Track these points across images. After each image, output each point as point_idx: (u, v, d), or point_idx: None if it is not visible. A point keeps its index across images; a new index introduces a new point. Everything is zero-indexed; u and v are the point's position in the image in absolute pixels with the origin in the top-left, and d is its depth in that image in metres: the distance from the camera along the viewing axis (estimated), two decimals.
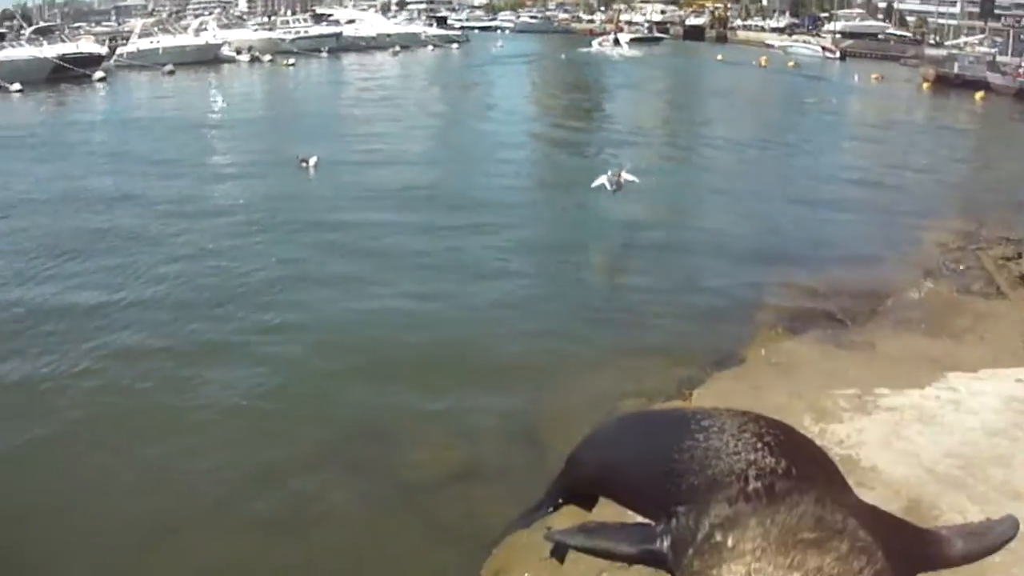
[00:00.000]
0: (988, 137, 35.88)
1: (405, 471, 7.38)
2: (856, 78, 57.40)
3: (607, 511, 5.77)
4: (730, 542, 4.34)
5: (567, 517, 5.80)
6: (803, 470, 5.13)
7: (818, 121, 34.99)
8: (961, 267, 14.07)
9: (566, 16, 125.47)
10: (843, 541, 4.24)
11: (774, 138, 28.79)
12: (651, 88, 45.23)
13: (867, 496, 5.49)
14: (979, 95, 53.05)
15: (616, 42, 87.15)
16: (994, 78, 58.77)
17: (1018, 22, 75.18)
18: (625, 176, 17.36)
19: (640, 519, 5.44)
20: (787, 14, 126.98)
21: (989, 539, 5.31)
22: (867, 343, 10.36)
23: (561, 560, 5.23)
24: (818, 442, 6.12)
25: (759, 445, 5.28)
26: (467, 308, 10.72)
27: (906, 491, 6.01)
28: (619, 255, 13.74)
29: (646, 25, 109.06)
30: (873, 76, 59.83)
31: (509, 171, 19.81)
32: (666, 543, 4.93)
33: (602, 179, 17.23)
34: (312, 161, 18.89)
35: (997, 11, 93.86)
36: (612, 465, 5.96)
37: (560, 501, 6.00)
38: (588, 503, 5.88)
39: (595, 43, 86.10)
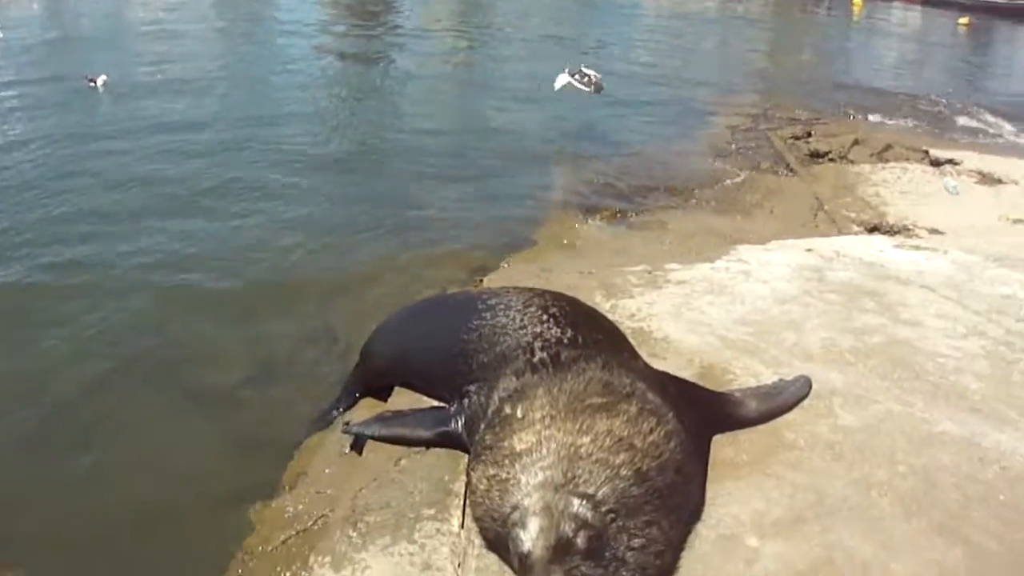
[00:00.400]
0: (779, 27, 36.97)
1: (197, 385, 7.09)
2: None
3: (403, 399, 5.72)
4: (519, 413, 4.36)
5: (365, 410, 5.74)
6: (589, 338, 5.17)
7: (612, 15, 35.08)
8: (752, 147, 14.47)
9: None
10: (631, 404, 4.29)
11: (567, 35, 28.73)
12: None
13: (660, 365, 5.62)
14: None
15: None
16: None
17: None
18: (586, 71, 15.63)
19: (435, 403, 5.43)
20: None
21: (783, 398, 5.54)
22: (658, 222, 10.52)
23: (360, 452, 5.17)
24: (610, 316, 6.22)
25: (544, 317, 5.31)
26: (255, 231, 10.23)
27: (699, 358, 6.11)
28: (405, 161, 13.42)
29: None
30: None
31: (297, 84, 18.97)
32: (460, 423, 4.94)
33: (564, 79, 15.26)
34: (100, 81, 17.47)
35: None
36: (403, 353, 5.92)
37: (357, 395, 5.95)
38: (384, 394, 5.83)
39: None
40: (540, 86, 17.44)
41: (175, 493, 5.77)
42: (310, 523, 4.64)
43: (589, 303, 6.23)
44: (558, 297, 5.67)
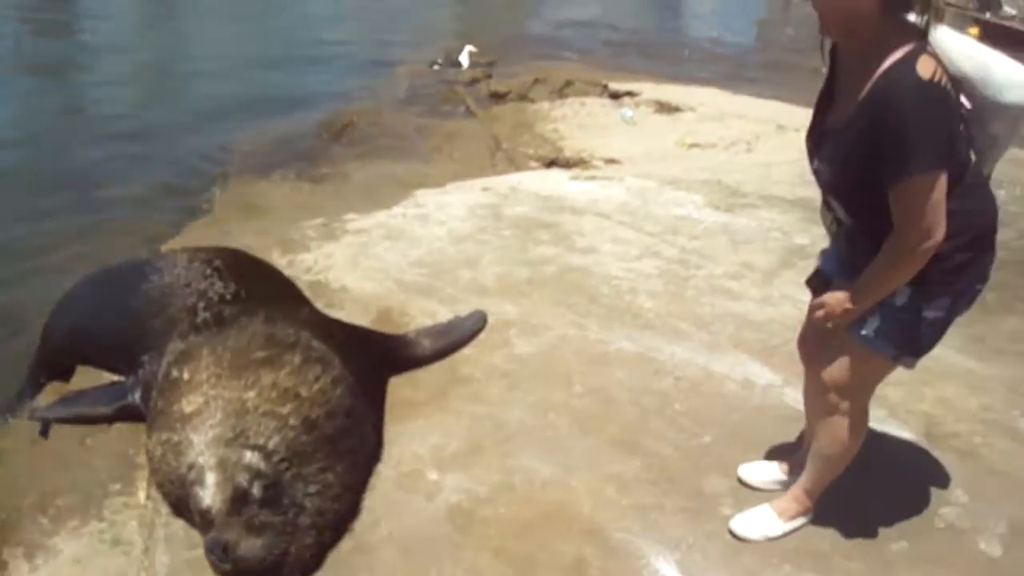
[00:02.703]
0: None
1: None
2: None
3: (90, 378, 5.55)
4: (186, 375, 4.39)
5: (53, 393, 5.52)
6: (252, 292, 5.21)
7: None
8: (432, 93, 14.75)
9: None
10: (295, 354, 4.39)
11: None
12: None
13: (338, 314, 5.64)
14: None
15: None
16: None
17: None
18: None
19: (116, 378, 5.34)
20: None
21: (457, 334, 5.73)
22: (338, 174, 10.54)
23: (46, 435, 5.03)
24: (287, 271, 6.22)
25: (208, 273, 5.32)
26: None
27: (375, 304, 6.21)
28: (78, 137, 12.82)
29: None
30: None
31: None
32: (137, 394, 4.90)
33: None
34: None
35: None
36: (79, 329, 5.75)
37: (43, 380, 5.73)
38: (68, 374, 5.67)
39: None
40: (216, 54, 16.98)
41: None
42: (3, 516, 4.47)
43: (265, 260, 6.24)
44: (221, 252, 5.72)
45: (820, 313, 3.56)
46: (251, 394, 4.12)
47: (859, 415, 3.79)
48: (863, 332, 3.52)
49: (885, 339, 3.50)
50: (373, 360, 5.10)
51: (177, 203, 9.95)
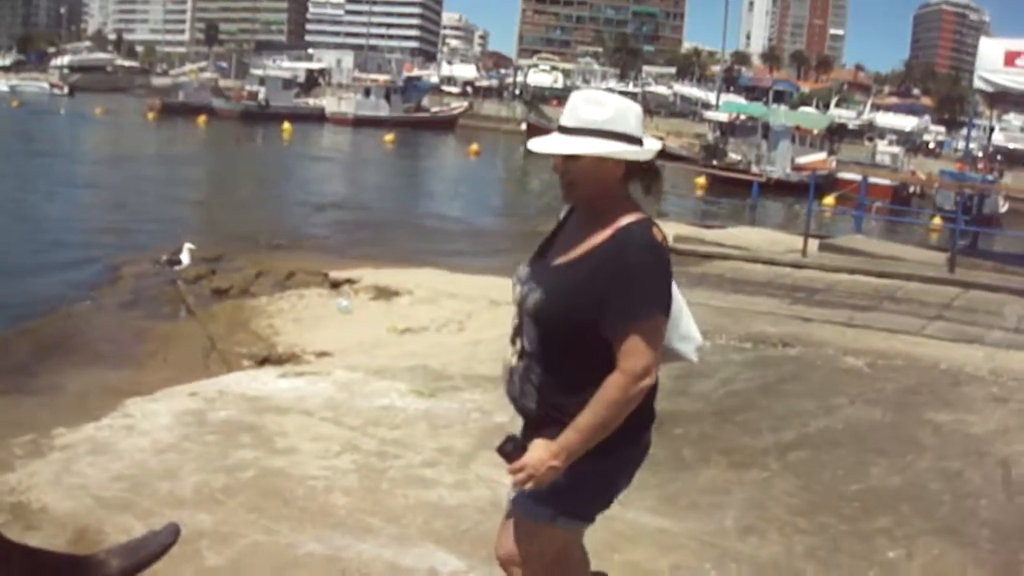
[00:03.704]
0: (214, 160, 38.13)
1: None
2: (84, 113, 57.46)
3: None
4: None
5: None
6: None
7: (43, 160, 34.27)
8: (155, 294, 14.82)
9: None
10: None
11: None
12: None
13: (35, 536, 5.63)
14: (202, 119, 56.43)
15: None
16: (218, 103, 62.78)
17: (240, 46, 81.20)
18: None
19: None
20: (15, 51, 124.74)
21: (148, 550, 5.74)
22: (53, 385, 10.42)
23: None
24: None
25: None
26: None
27: (72, 523, 6.15)
28: None
29: None
30: (97, 109, 60.43)
31: None
32: None
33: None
34: None
35: (222, 37, 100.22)
36: None
37: None
38: None
39: None
40: None
41: None
42: None
43: None
44: None
45: (521, 476, 3.47)
46: None
47: None
48: (519, 497, 3.66)
49: (539, 503, 3.61)
50: None
51: None
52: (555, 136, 3.62)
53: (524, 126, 62.75)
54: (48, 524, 6.20)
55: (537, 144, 3.67)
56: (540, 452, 3.44)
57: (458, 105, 68.22)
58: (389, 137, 48.49)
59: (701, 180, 45.51)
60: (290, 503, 6.47)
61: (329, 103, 74.77)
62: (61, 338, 12.65)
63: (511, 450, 3.52)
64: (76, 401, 9.68)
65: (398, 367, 9.49)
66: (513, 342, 3.77)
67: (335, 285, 14.18)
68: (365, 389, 8.80)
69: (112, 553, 5.98)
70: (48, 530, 6.08)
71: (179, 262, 16.57)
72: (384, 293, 13.51)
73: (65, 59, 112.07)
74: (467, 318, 12.04)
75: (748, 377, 9.17)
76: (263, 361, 10.79)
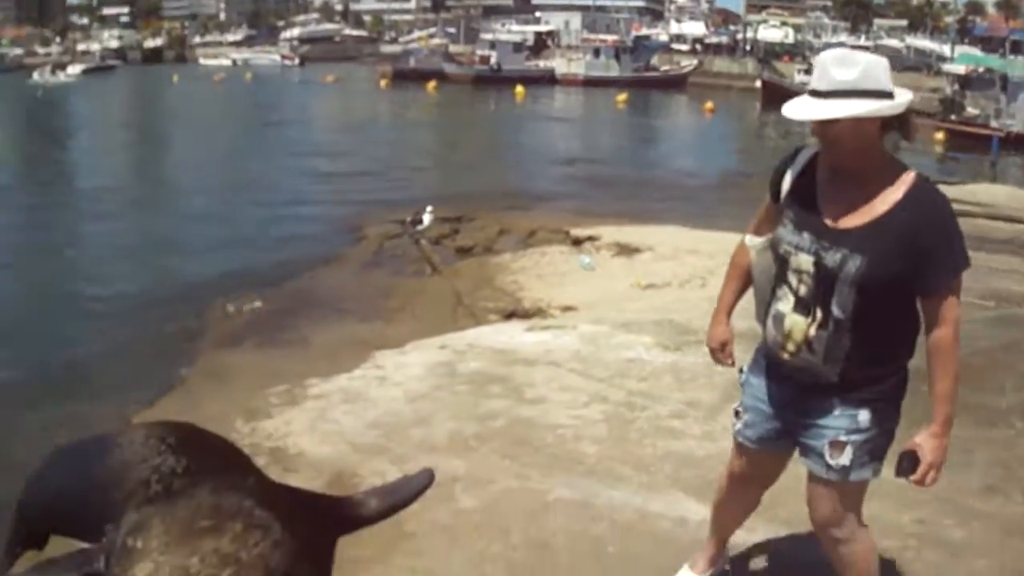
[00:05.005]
0: (449, 123, 38.96)
1: None
2: (315, 82, 59.55)
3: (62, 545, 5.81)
4: (139, 544, 4.67)
5: (29, 561, 5.76)
6: (202, 464, 5.52)
7: (279, 129, 35.89)
8: (399, 254, 15.31)
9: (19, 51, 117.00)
10: (238, 522, 4.66)
11: (239, 153, 29.16)
12: (102, 122, 43.67)
13: (293, 478, 5.96)
14: (432, 85, 57.65)
15: (53, 71, 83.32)
16: (450, 68, 64.06)
17: (467, 12, 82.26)
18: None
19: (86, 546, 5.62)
20: (245, 27, 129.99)
21: (402, 493, 5.91)
22: (304, 338, 10.97)
23: None
24: (249, 439, 6.52)
25: (162, 448, 5.65)
26: None
27: (328, 467, 6.46)
28: (57, 308, 13.37)
29: (99, 54, 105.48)
30: (329, 78, 62.64)
31: None
32: (101, 561, 5.19)
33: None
34: None
35: (449, 3, 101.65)
36: (51, 502, 6.07)
37: (19, 550, 6.00)
38: (40, 543, 5.94)
39: (35, 74, 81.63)
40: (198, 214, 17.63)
41: None
42: None
43: (231, 430, 6.55)
44: (176, 427, 5.94)
45: (933, 475, 3.61)
46: (194, 560, 4.35)
47: (862, 532, 3.98)
48: (838, 465, 3.73)
49: (861, 466, 3.73)
50: (318, 524, 5.32)
51: (152, 375, 10.33)
52: (809, 101, 3.58)
53: (758, 83, 61.60)
54: (305, 467, 6.51)
55: (793, 110, 3.65)
56: (934, 444, 3.57)
57: (688, 63, 67.23)
58: (621, 97, 48.31)
59: (939, 135, 43.53)
60: (540, 450, 6.57)
61: (559, 65, 75.07)
62: (310, 295, 13.27)
63: (908, 465, 3.61)
64: (327, 354, 10.13)
65: (643, 321, 9.48)
66: (807, 312, 3.70)
67: (576, 242, 14.32)
68: (611, 342, 8.83)
69: (369, 494, 6.24)
70: (305, 473, 6.39)
71: (421, 222, 17.04)
72: (625, 250, 13.55)
73: (294, 31, 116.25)
74: (709, 275, 11.91)
75: (991, 335, 8.70)
76: (509, 315, 11.02)
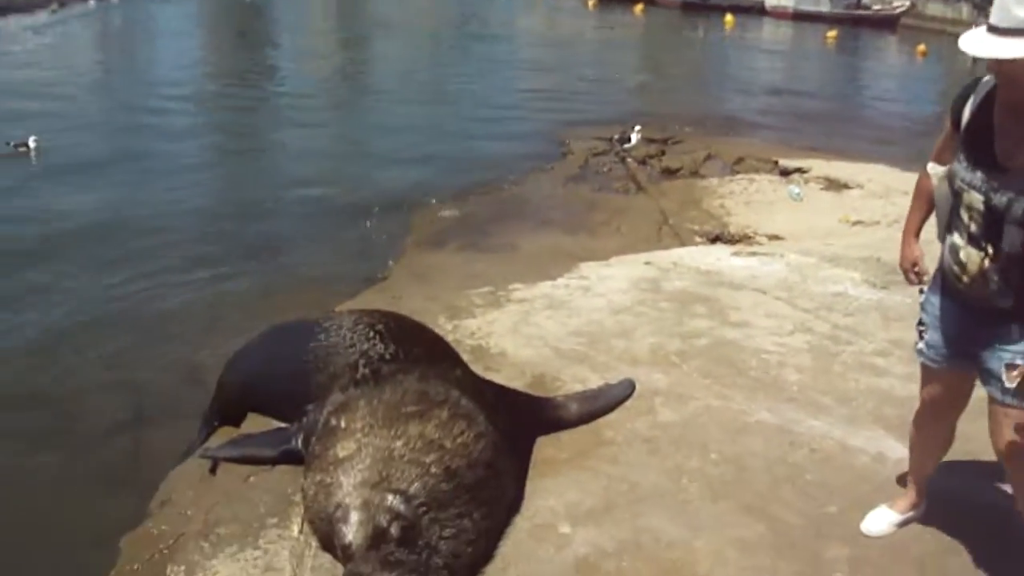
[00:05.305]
0: (658, 46, 38.48)
1: (70, 427, 7.46)
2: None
3: (256, 423, 6.18)
4: (343, 424, 4.97)
5: (223, 436, 6.17)
6: (410, 353, 5.78)
7: (485, 42, 36.12)
8: (605, 170, 15.29)
9: None
10: (444, 410, 4.91)
11: (443, 64, 29.56)
12: (307, 28, 44.47)
13: (495, 376, 6.16)
14: (639, 8, 56.81)
15: None
16: None
17: None
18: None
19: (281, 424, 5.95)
20: None
21: (603, 400, 6.12)
22: (507, 245, 11.12)
23: (214, 473, 5.66)
24: (452, 335, 6.73)
25: (371, 335, 5.95)
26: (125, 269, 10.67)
27: (531, 369, 6.61)
28: (278, 205, 13.90)
29: None
30: None
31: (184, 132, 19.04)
32: (299, 440, 5.52)
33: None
34: (32, 144, 15.84)
35: None
36: (251, 380, 6.46)
37: (216, 424, 6.42)
38: (239, 420, 6.31)
39: None
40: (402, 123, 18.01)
41: (46, 529, 6.12)
42: (171, 541, 5.05)
43: (432, 325, 6.76)
44: (384, 316, 6.25)
45: None
46: (398, 443, 4.56)
47: None
48: (1014, 388, 3.81)
49: None
50: (519, 420, 5.49)
51: (354, 270, 10.69)
52: (987, 37, 3.52)
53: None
54: (507, 367, 6.66)
55: (970, 46, 3.59)
56: None
57: (900, 4, 64.22)
58: (831, 33, 46.54)
59: None
60: (743, 373, 6.56)
61: None
62: (515, 204, 13.41)
63: None
64: (531, 261, 10.24)
65: (850, 256, 9.27)
66: (979, 246, 3.75)
67: (785, 173, 14.03)
68: (818, 274, 8.68)
69: (570, 398, 6.39)
70: (507, 372, 6.56)
71: (628, 140, 16.95)
72: (834, 184, 13.22)
73: None
74: None
75: None
76: (715, 239, 10.93)
